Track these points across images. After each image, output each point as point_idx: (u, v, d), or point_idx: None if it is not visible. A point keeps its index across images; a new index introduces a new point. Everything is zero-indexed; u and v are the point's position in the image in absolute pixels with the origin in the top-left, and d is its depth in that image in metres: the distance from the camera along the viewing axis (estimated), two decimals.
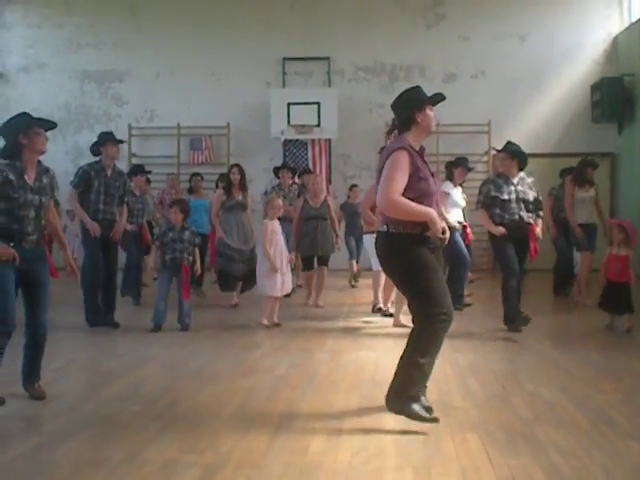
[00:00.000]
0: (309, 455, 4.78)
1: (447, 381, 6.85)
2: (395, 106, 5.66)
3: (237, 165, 11.97)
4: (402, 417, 5.52)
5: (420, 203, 5.36)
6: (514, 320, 9.29)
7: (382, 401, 6.00)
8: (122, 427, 5.42)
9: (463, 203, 11.64)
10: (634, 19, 17.25)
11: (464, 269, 11.28)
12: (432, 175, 5.58)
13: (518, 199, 9.36)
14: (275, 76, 18.70)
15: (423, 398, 5.52)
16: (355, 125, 18.24)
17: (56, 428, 5.40)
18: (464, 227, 11.60)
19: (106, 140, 10.08)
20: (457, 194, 11.49)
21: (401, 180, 5.34)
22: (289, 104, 17.71)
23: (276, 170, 14.26)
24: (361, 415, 5.70)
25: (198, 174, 14.89)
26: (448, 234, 5.42)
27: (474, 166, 17.86)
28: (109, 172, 10.00)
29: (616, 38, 18.20)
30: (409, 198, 5.33)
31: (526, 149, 17.34)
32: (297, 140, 18.08)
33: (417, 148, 5.53)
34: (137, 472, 4.51)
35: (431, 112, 5.59)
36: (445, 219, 11.23)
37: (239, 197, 11.56)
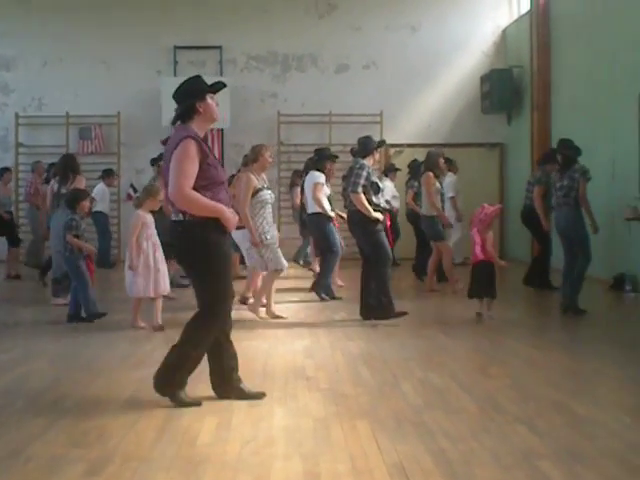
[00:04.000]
0: (197, 447, 4.71)
1: (338, 369, 6.86)
2: (176, 96, 5.65)
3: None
4: (293, 406, 5.55)
5: (211, 190, 5.40)
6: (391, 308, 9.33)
7: (271, 391, 6.00)
8: (6, 423, 5.25)
9: (329, 192, 11.75)
10: (522, 11, 17.63)
11: (335, 259, 11.43)
12: (219, 163, 5.65)
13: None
14: (166, 65, 18.42)
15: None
16: (248, 115, 18.13)
17: None
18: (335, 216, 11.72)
19: None
20: (326, 184, 11.66)
21: (191, 171, 5.34)
22: None
23: (153, 161, 13.93)
24: (252, 406, 5.64)
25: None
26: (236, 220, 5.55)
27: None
28: None
29: (505, 30, 18.57)
30: (200, 185, 5.35)
31: (417, 139, 17.93)
32: None
33: (202, 136, 5.55)
34: (21, 468, 4.36)
35: (212, 101, 5.61)
36: (323, 208, 11.27)
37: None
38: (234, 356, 5.91)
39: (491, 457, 4.45)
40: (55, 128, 18.12)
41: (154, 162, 13.73)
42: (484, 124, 18.45)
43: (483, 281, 9.54)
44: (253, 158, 9.70)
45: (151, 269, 8.88)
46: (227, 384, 5.83)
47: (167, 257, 9.03)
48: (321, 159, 11.88)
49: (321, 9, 18.60)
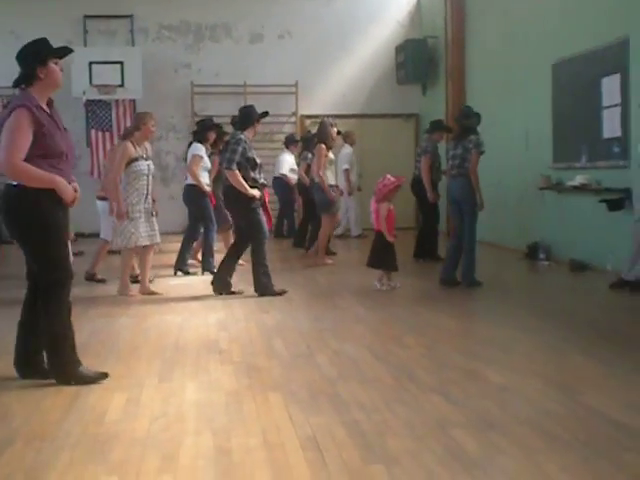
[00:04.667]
0: (105, 425, 4.56)
1: (252, 342, 6.76)
2: (18, 59, 5.39)
3: None
4: (205, 380, 5.45)
5: (48, 160, 5.21)
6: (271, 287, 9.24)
7: (184, 366, 5.89)
8: None
9: (209, 165, 11.35)
10: None
11: (213, 234, 11.24)
12: (63, 130, 5.43)
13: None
14: (76, 34, 17.88)
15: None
16: (160, 85, 17.82)
17: None
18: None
19: None
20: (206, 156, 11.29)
21: (23, 141, 5.13)
22: (91, 63, 17.15)
23: None
24: (162, 381, 5.51)
25: None
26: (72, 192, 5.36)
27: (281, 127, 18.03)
28: None
29: (419, 0, 18.53)
30: (36, 155, 5.16)
31: (333, 110, 17.83)
32: (100, 100, 17.54)
33: (44, 103, 5.34)
34: None
35: (56, 66, 5.36)
36: (198, 181, 10.89)
37: None
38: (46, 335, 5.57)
39: (405, 427, 4.40)
40: None
41: None
42: (399, 95, 18.46)
43: (377, 251, 9.59)
44: (135, 126, 9.39)
45: None
46: (30, 365, 5.64)
47: None
48: (203, 130, 11.48)
49: None
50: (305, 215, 14.13)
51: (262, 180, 9.35)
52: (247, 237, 9.25)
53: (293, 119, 18.40)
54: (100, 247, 10.47)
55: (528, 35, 13.05)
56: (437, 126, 12.44)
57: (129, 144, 9.16)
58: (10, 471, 3.90)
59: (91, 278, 10.33)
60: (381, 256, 9.53)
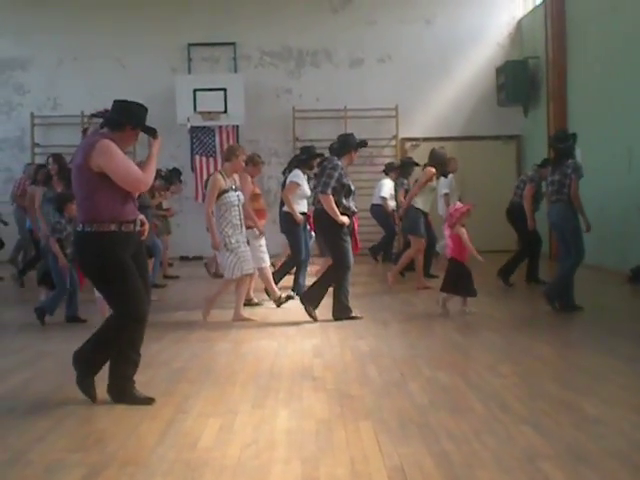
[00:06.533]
0: (197, 451, 4.66)
1: (346, 369, 6.79)
2: (120, 105, 5.84)
3: (53, 155, 11.40)
4: (297, 408, 5.52)
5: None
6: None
7: (277, 392, 5.96)
8: (8, 427, 5.24)
9: (308, 193, 11.31)
10: (538, 2, 17.43)
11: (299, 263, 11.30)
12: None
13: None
14: (180, 62, 18.46)
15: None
16: (262, 111, 18.14)
17: None
18: (308, 217, 11.14)
19: None
20: (305, 183, 11.30)
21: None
22: (195, 90, 17.55)
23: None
24: (255, 407, 5.59)
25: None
26: None
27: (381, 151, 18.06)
28: None
29: (520, 21, 18.42)
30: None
31: (434, 133, 17.80)
32: (204, 127, 17.96)
33: None
34: (18, 474, 4.33)
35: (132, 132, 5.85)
36: (291, 208, 10.85)
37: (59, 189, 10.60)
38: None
39: (493, 459, 4.37)
40: (70, 128, 18.02)
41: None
42: (500, 116, 18.32)
43: (450, 278, 9.54)
44: (227, 157, 9.52)
45: None
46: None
47: None
48: (309, 157, 11.44)
49: (335, 3, 18.53)
50: (405, 241, 14.04)
51: (353, 208, 9.38)
52: (333, 263, 9.32)
53: (393, 142, 18.45)
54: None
55: (630, 53, 12.82)
56: (546, 163, 12.21)
57: (219, 176, 9.30)
58: None
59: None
60: (456, 281, 9.48)
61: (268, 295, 10.73)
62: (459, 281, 9.45)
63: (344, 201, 9.18)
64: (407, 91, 18.21)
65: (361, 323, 9.00)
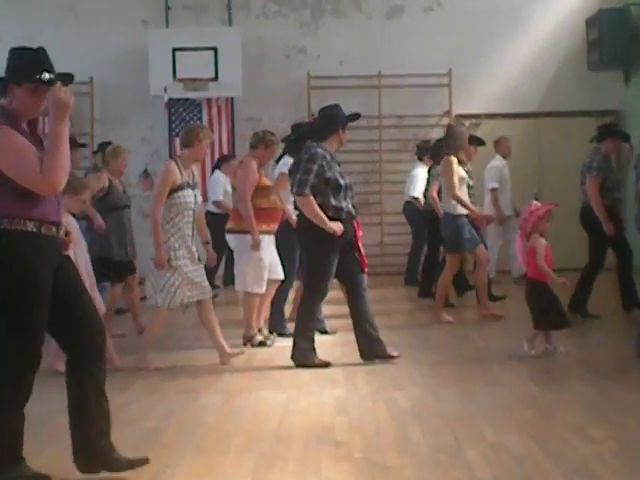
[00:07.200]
0: None
1: (379, 430, 6.80)
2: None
3: None
4: None
5: None
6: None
7: (286, 463, 5.97)
8: None
9: None
10: None
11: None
12: None
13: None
14: (155, 13, 18.45)
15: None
16: (266, 78, 18.16)
17: None
18: None
19: None
20: None
21: None
22: (174, 50, 17.58)
23: None
24: None
25: None
26: None
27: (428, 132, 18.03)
28: None
29: None
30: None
31: (502, 107, 17.79)
32: (187, 100, 17.98)
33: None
34: None
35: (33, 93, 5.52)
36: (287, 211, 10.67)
37: None
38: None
39: None
40: None
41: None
42: (592, 85, 18.31)
43: (531, 306, 9.60)
44: (186, 142, 9.45)
45: None
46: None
47: None
48: (299, 138, 10.69)
49: None
50: (430, 253, 14.01)
51: (350, 209, 9.21)
52: (352, 285, 9.32)
53: (445, 120, 18.36)
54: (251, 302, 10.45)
55: None
56: (609, 132, 12.11)
57: (173, 166, 9.25)
58: None
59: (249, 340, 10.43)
60: (544, 310, 9.46)
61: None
62: (550, 308, 9.44)
63: (333, 201, 9.02)
64: (463, 51, 18.20)
65: (399, 367, 9.00)
